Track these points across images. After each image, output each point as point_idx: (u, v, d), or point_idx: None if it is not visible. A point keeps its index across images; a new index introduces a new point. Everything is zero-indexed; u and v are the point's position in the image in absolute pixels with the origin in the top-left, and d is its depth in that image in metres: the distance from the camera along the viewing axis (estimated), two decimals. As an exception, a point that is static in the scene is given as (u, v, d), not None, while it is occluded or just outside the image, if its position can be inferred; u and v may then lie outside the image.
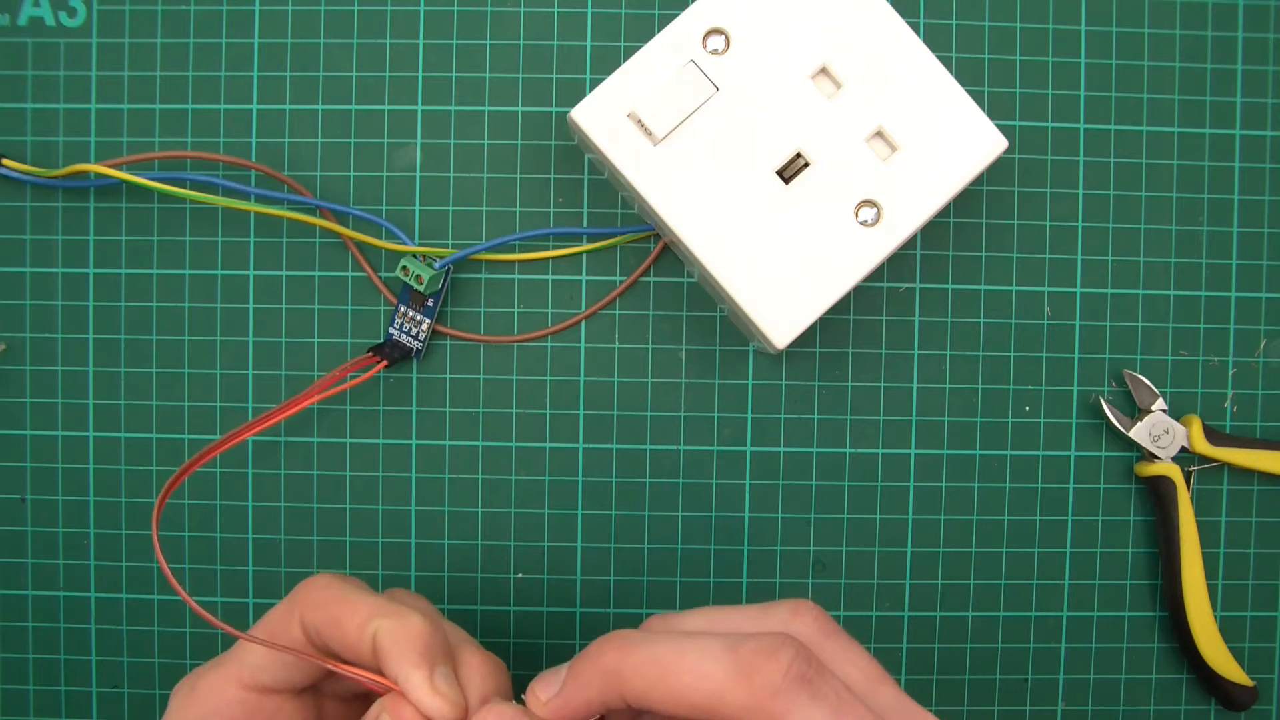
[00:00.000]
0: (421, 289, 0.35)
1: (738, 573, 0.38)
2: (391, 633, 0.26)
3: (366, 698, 0.29)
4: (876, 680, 0.26)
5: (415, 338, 0.37)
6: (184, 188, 0.36)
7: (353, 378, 0.36)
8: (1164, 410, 0.37)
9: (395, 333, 0.37)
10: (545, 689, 0.26)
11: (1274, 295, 0.38)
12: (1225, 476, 0.38)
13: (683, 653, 0.24)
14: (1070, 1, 0.38)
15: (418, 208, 0.38)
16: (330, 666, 0.27)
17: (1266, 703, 0.38)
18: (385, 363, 0.36)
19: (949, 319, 0.38)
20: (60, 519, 0.38)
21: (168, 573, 0.27)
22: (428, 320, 0.37)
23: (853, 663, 0.26)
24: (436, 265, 0.36)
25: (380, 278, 0.37)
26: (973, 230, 0.38)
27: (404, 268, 0.35)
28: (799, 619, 0.26)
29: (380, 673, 0.26)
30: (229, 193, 0.36)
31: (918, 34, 0.33)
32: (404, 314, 0.37)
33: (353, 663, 0.27)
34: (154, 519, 0.29)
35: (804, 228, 0.33)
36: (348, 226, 0.37)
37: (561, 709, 0.25)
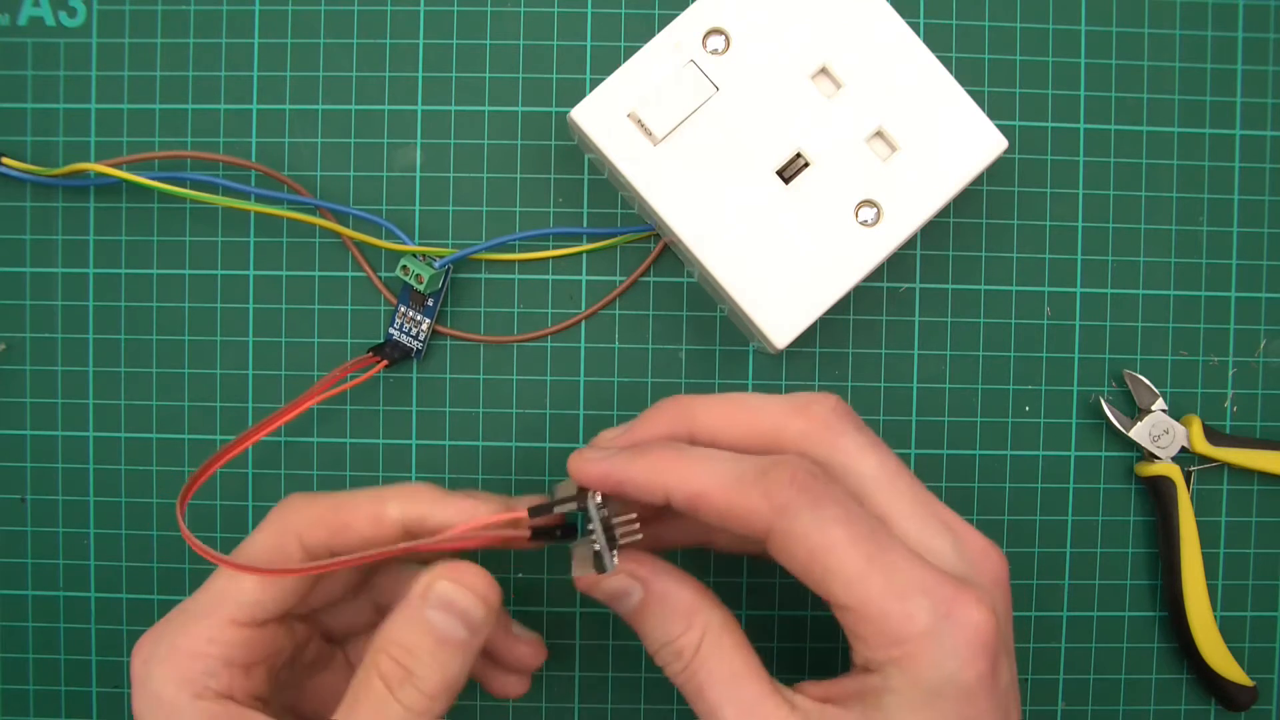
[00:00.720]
0: (421, 288, 0.35)
1: (738, 573, 0.38)
2: (411, 500, 0.28)
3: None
4: (902, 470, 0.28)
5: (415, 338, 0.37)
6: (184, 187, 0.36)
7: (353, 377, 0.36)
8: (1164, 410, 0.37)
9: (395, 333, 0.37)
10: (612, 434, 0.29)
11: (1274, 295, 0.38)
12: (1225, 476, 0.38)
13: (744, 399, 0.28)
14: (1070, 1, 0.38)
15: (418, 208, 0.38)
16: (403, 549, 0.27)
17: (1266, 703, 0.38)
18: (385, 363, 0.36)
19: (949, 319, 0.38)
20: (60, 519, 0.38)
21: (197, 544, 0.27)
22: (428, 320, 0.37)
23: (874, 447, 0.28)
24: (436, 265, 0.36)
25: (380, 278, 0.37)
26: (973, 230, 0.38)
27: (404, 267, 0.35)
28: (822, 399, 0.28)
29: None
30: (229, 192, 0.36)
31: (918, 34, 0.33)
32: (404, 314, 0.37)
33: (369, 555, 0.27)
34: (179, 508, 0.28)
35: (804, 228, 0.33)
36: (348, 226, 0.37)
37: (630, 438, 0.29)
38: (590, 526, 0.27)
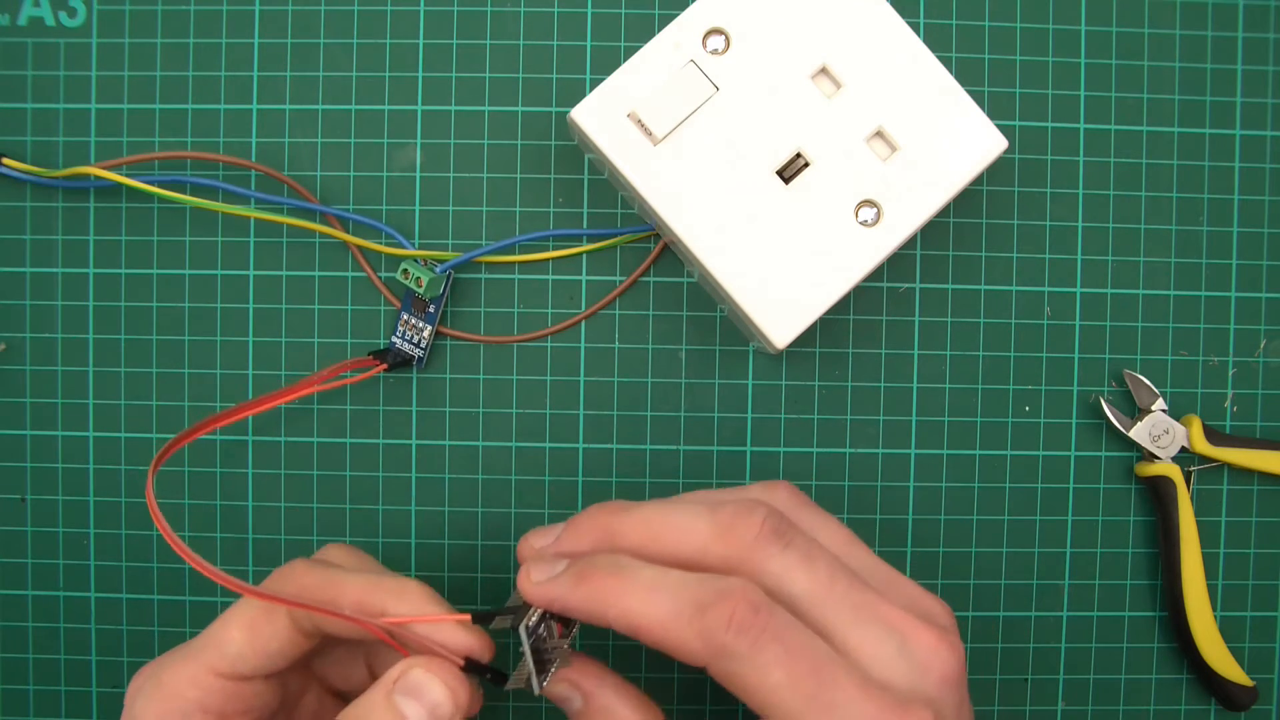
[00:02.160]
0: (422, 292, 0.35)
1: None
2: (400, 599, 0.28)
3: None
4: (848, 543, 0.29)
5: (417, 345, 0.37)
6: (184, 189, 0.36)
7: (353, 375, 0.36)
8: (1164, 410, 0.37)
9: (397, 340, 0.37)
10: (541, 539, 0.29)
11: (1274, 295, 0.38)
12: (1225, 476, 0.38)
13: (669, 514, 0.27)
14: (1070, 1, 0.38)
15: (418, 208, 0.38)
16: (345, 617, 0.27)
17: (1266, 703, 0.38)
18: (385, 366, 0.36)
19: (949, 319, 0.38)
20: (60, 519, 0.38)
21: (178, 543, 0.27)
22: (429, 327, 0.37)
23: (826, 529, 0.29)
24: (438, 270, 0.36)
25: (380, 278, 0.37)
26: (973, 230, 0.38)
27: (404, 271, 0.35)
28: (773, 492, 0.29)
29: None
30: (229, 197, 0.36)
31: (918, 34, 0.33)
32: (405, 321, 0.37)
33: (348, 635, 0.28)
34: (149, 477, 0.28)
35: (804, 228, 0.33)
36: (348, 229, 0.37)
37: (559, 549, 0.28)
38: (521, 649, 0.27)
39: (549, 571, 0.27)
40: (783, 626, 0.25)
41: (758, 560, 0.26)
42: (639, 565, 0.26)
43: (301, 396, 0.35)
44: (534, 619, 0.27)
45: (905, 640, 0.26)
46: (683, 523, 0.27)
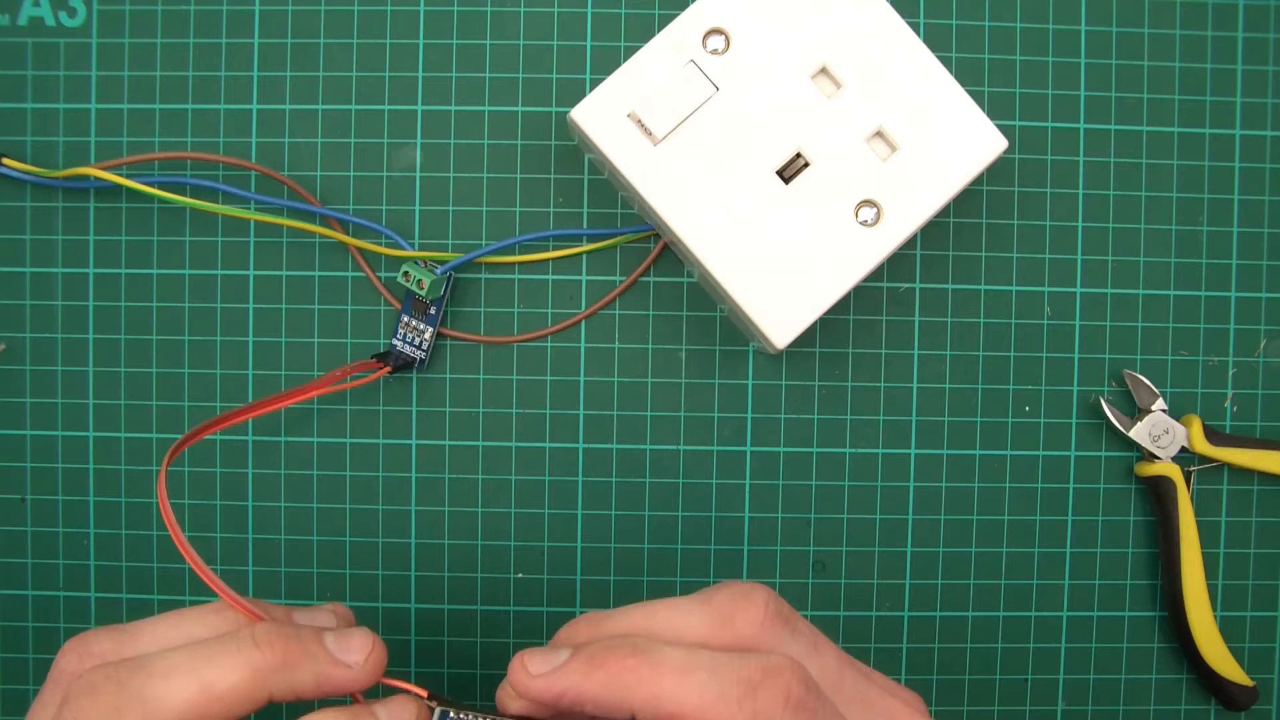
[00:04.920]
0: (423, 294, 0.35)
1: (738, 573, 0.38)
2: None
3: None
4: (845, 664, 0.26)
5: (419, 347, 0.37)
6: (184, 190, 0.36)
7: (357, 378, 0.36)
8: (1164, 410, 0.37)
9: (398, 343, 0.37)
10: (536, 664, 0.25)
11: (1274, 295, 0.38)
12: (1225, 476, 0.38)
13: (655, 614, 0.25)
14: (1070, 1, 0.38)
15: (418, 208, 0.38)
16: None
17: (1266, 703, 0.38)
18: (389, 369, 0.36)
19: (949, 319, 0.38)
20: (60, 519, 0.38)
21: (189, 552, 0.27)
22: (430, 329, 0.37)
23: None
24: (438, 271, 0.36)
25: (380, 279, 0.37)
26: (973, 230, 0.38)
27: (405, 273, 0.35)
28: (747, 604, 0.25)
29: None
30: (229, 199, 0.36)
31: (918, 34, 0.33)
32: (407, 324, 0.37)
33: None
34: (160, 481, 0.28)
35: (804, 228, 0.33)
36: (348, 231, 0.37)
37: (547, 689, 0.24)
38: None
39: (551, 661, 0.24)
40: (831, 710, 0.23)
41: (768, 648, 0.24)
42: (662, 644, 0.23)
43: (306, 399, 0.35)
44: None
45: None
46: (673, 620, 0.24)
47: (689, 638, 0.24)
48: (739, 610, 0.24)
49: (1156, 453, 0.37)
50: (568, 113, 0.33)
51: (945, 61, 0.34)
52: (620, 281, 0.38)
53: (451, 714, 0.25)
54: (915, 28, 0.35)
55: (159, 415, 0.38)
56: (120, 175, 0.36)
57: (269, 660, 0.24)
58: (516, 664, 0.24)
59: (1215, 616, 0.37)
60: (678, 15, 0.33)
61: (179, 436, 0.38)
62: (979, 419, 0.38)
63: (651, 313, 0.38)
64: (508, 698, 0.25)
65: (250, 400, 0.38)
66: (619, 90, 0.33)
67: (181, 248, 0.38)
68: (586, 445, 0.38)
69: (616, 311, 0.38)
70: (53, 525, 0.38)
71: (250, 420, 0.38)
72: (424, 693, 0.26)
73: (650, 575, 0.38)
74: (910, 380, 0.38)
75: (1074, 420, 0.38)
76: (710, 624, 0.24)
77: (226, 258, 0.38)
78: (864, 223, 0.33)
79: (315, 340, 0.38)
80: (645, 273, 0.38)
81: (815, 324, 0.34)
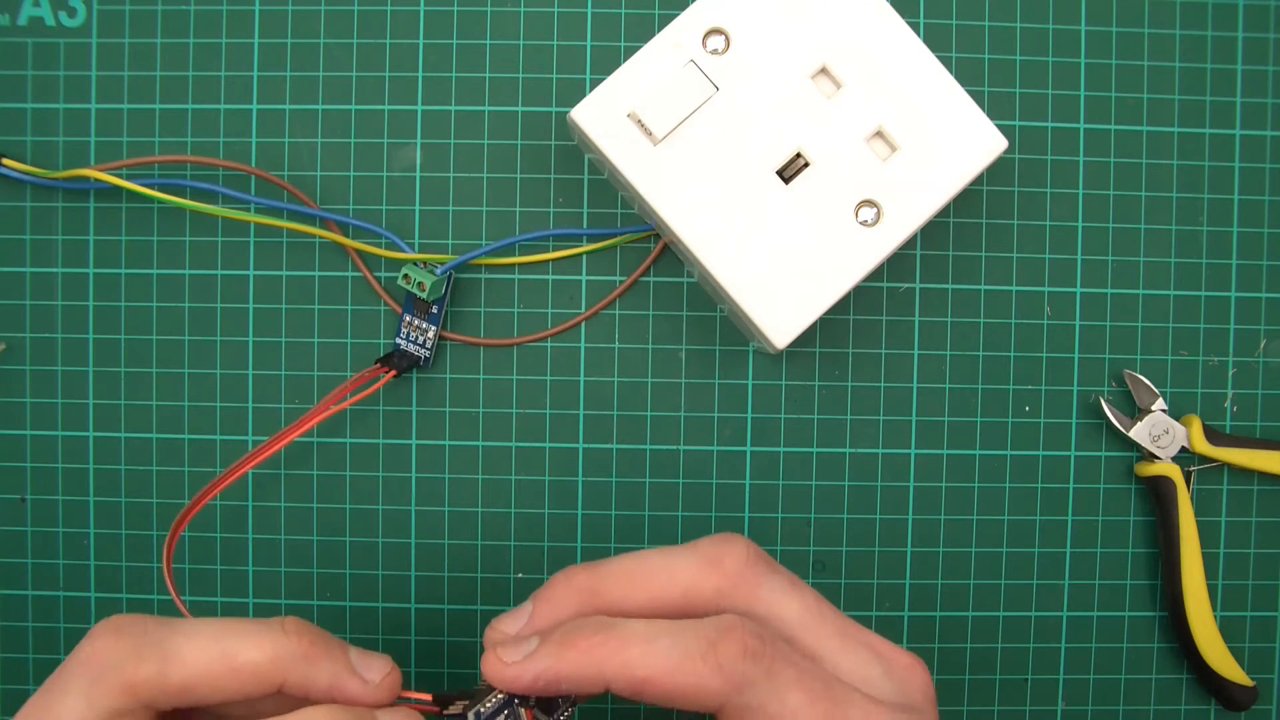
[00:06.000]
0: (424, 296, 0.35)
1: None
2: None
3: None
4: (824, 602, 0.28)
5: (422, 346, 0.37)
6: (184, 192, 0.36)
7: (365, 388, 0.36)
8: (1164, 410, 0.37)
9: (402, 343, 0.37)
10: (512, 623, 0.27)
11: (1274, 295, 0.38)
12: (1225, 476, 0.38)
13: (647, 558, 0.27)
14: (1070, 1, 0.38)
15: (418, 208, 0.38)
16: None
17: (1266, 703, 0.38)
18: (394, 373, 0.36)
19: (949, 319, 0.38)
20: (60, 519, 0.38)
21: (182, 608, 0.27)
22: (433, 328, 0.37)
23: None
24: (438, 271, 0.36)
25: (380, 280, 0.37)
26: (973, 230, 0.38)
27: (405, 275, 0.35)
28: (732, 548, 0.27)
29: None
30: (228, 200, 0.36)
31: (918, 34, 0.33)
32: (409, 323, 0.37)
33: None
34: (166, 556, 0.28)
35: (804, 228, 0.33)
36: (347, 233, 0.37)
37: (535, 625, 0.27)
38: None
39: (523, 649, 0.25)
40: (788, 651, 0.25)
41: (750, 586, 0.26)
42: (625, 620, 0.25)
43: (317, 424, 0.35)
44: (491, 705, 0.25)
45: (887, 662, 0.27)
46: (665, 563, 0.26)
47: (677, 583, 0.26)
48: (725, 552, 0.26)
49: (1156, 453, 0.37)
50: (568, 113, 0.33)
51: (945, 61, 0.34)
52: (620, 281, 0.38)
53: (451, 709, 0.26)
54: (915, 28, 0.35)
55: (159, 415, 0.38)
56: (119, 177, 0.36)
57: (292, 648, 0.25)
58: (491, 656, 0.25)
59: (1215, 616, 0.37)
60: (678, 15, 0.33)
61: (179, 437, 0.38)
62: (979, 419, 0.38)
63: (651, 313, 0.38)
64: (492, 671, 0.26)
65: (249, 401, 0.38)
66: (619, 90, 0.33)
67: (181, 248, 0.38)
68: (586, 445, 0.38)
69: (616, 311, 0.38)
70: (53, 525, 0.38)
71: (250, 420, 0.38)
72: (428, 696, 0.27)
73: (650, 575, 0.38)
74: (910, 380, 0.38)
75: (1074, 420, 0.38)
76: (700, 564, 0.26)
77: (226, 258, 0.38)
78: (864, 223, 0.33)
79: (315, 340, 0.38)
80: (645, 273, 0.38)
81: (815, 324, 0.34)
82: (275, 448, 0.34)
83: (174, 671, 0.25)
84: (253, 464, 0.34)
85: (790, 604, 0.26)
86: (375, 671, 0.27)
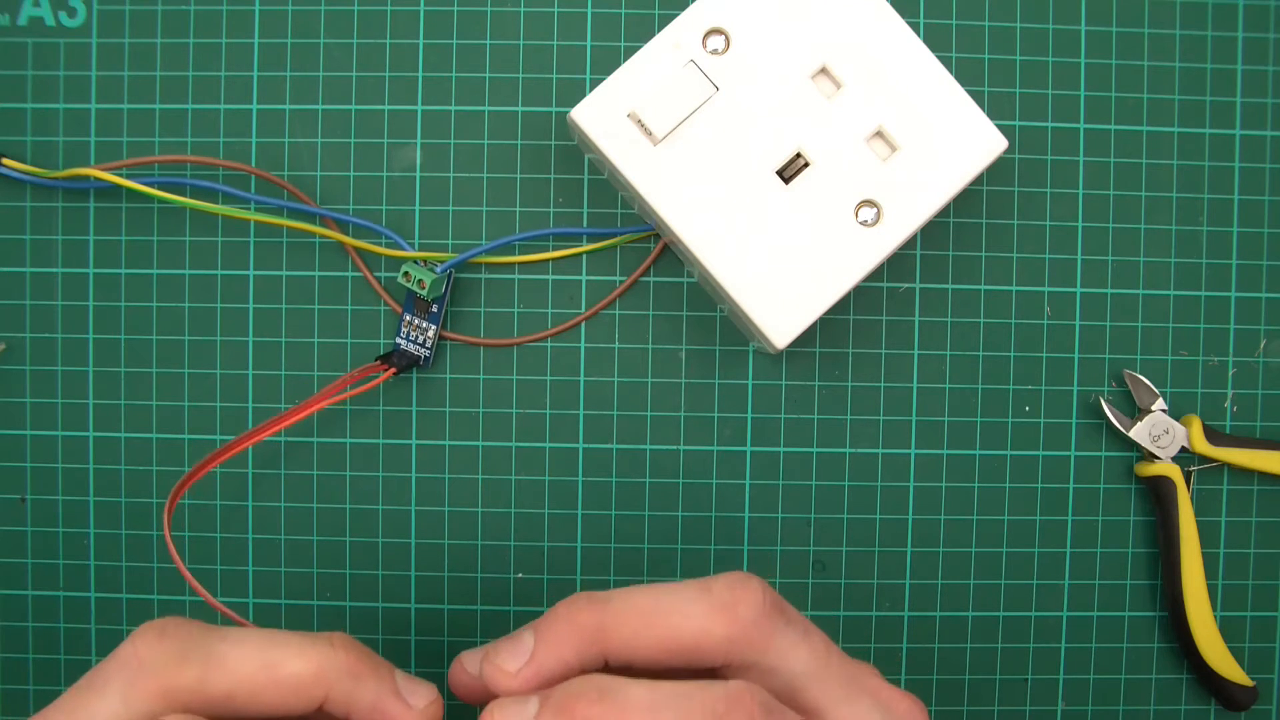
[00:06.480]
0: (424, 294, 0.35)
1: (738, 573, 0.38)
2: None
3: None
4: (832, 648, 0.27)
5: (423, 345, 0.37)
6: (184, 191, 0.36)
7: (359, 384, 0.36)
8: (1164, 410, 0.37)
9: (403, 342, 0.37)
10: (512, 659, 0.25)
11: (1274, 295, 0.38)
12: (1225, 476, 0.38)
13: (659, 596, 0.25)
14: (1070, 1, 0.38)
15: (418, 208, 0.38)
16: None
17: (1266, 703, 0.38)
18: (394, 370, 0.36)
19: (949, 319, 0.38)
20: (60, 519, 0.38)
21: (192, 581, 0.27)
22: (434, 327, 0.37)
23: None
24: (438, 270, 0.36)
25: (380, 279, 0.37)
26: (973, 230, 0.38)
27: (405, 273, 0.35)
28: (746, 594, 0.26)
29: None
30: (229, 199, 0.36)
31: (918, 34, 0.33)
32: (409, 322, 0.37)
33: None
34: (165, 519, 0.28)
35: (804, 228, 0.33)
36: (347, 231, 0.37)
37: (536, 675, 0.25)
38: None
39: (522, 713, 0.24)
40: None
41: (765, 638, 0.25)
42: (625, 684, 0.23)
43: (313, 413, 0.35)
44: None
45: (887, 708, 0.26)
46: (677, 605, 0.25)
47: (689, 628, 0.25)
48: (740, 599, 0.25)
49: (1156, 453, 0.37)
50: (568, 113, 0.33)
51: (945, 61, 0.34)
52: (620, 281, 0.38)
53: None
54: (915, 28, 0.35)
55: (159, 415, 0.38)
56: (120, 176, 0.36)
57: (338, 663, 0.25)
58: (495, 709, 0.24)
59: (1215, 616, 0.37)
60: (678, 15, 0.33)
61: (179, 437, 0.38)
62: (979, 419, 0.38)
63: (651, 313, 0.38)
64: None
65: (249, 401, 0.38)
66: (619, 90, 0.33)
67: (181, 248, 0.38)
68: (586, 445, 0.38)
69: (616, 311, 0.38)
70: (53, 525, 0.38)
71: (248, 420, 0.38)
72: None
73: (650, 575, 0.38)
74: (910, 380, 0.38)
75: (1074, 420, 0.38)
76: (713, 610, 0.25)
77: (226, 258, 0.38)
78: (864, 223, 0.33)
79: (315, 340, 0.38)
80: (645, 273, 0.38)
81: (815, 324, 0.34)
82: (275, 428, 0.34)
83: (216, 678, 0.24)
84: (259, 438, 0.33)
85: (800, 655, 0.26)
86: (420, 698, 0.26)
